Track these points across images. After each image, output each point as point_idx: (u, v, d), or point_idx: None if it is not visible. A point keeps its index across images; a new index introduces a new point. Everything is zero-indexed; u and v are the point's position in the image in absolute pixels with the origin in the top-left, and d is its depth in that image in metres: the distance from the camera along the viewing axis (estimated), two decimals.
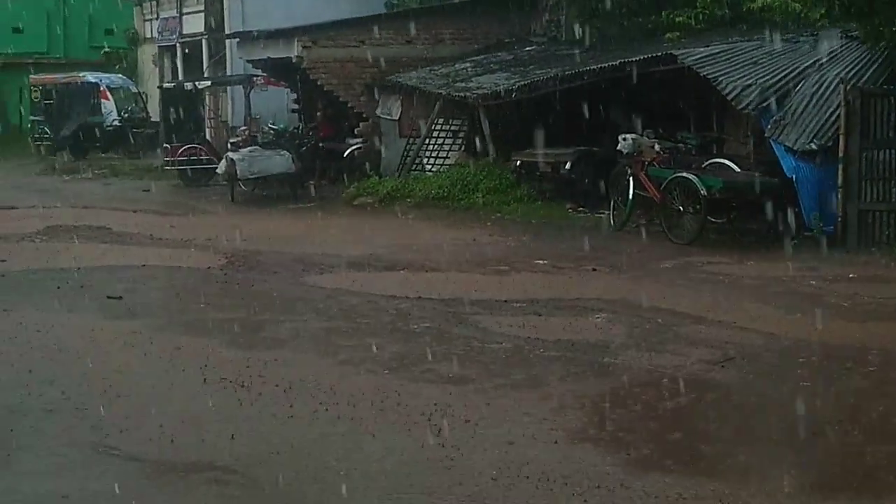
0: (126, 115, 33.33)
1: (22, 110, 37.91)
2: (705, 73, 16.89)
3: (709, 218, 15.86)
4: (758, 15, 19.48)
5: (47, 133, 33.73)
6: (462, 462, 6.90)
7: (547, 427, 7.61)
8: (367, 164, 23.66)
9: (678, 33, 20.40)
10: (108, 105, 33.28)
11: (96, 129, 32.68)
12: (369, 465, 6.86)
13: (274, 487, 6.52)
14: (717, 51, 17.61)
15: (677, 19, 20.87)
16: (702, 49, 17.80)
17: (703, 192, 15.52)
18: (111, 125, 32.87)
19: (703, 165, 16.69)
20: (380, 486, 6.51)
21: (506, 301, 11.93)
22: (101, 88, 33.58)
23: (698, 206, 15.66)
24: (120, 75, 36.45)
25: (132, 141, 32.39)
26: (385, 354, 9.66)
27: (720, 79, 16.69)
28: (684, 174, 16.03)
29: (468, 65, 23.82)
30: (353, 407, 8.02)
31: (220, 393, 8.41)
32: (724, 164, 16.67)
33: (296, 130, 25.61)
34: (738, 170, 16.35)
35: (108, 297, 12.18)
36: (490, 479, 6.61)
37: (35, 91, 35.48)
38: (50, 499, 6.41)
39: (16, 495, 6.44)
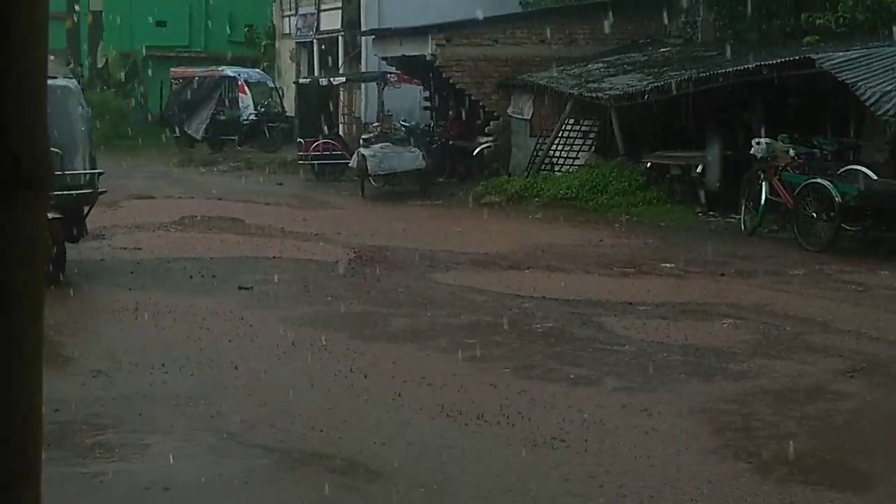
0: (262, 109, 33.90)
1: (162, 103, 38.83)
2: (844, 78, 16.52)
3: (843, 226, 15.54)
4: None
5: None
6: (576, 465, 6.90)
7: (665, 431, 7.56)
8: (496, 162, 23.70)
9: (817, 37, 20.02)
10: (246, 99, 33.86)
11: (234, 123, 33.30)
12: (486, 464, 6.90)
13: (394, 480, 6.59)
14: (856, 55, 17.22)
15: (817, 22, 20.48)
16: (840, 53, 17.42)
17: (838, 198, 15.21)
18: (248, 119, 33.46)
19: (838, 172, 16.35)
20: (487, 488, 6.54)
21: (630, 304, 11.86)
22: (239, 83, 34.20)
23: (832, 214, 15.36)
24: (258, 70, 37.09)
25: (267, 135, 32.92)
26: (507, 352, 9.69)
27: (859, 84, 16.32)
28: (819, 180, 15.73)
29: (601, 65, 23.70)
30: (473, 405, 8.06)
31: (341, 384, 8.53)
32: (860, 171, 16.30)
33: (427, 128, 25.77)
34: (875, 177, 15.97)
35: (240, 288, 12.45)
36: (605, 484, 6.60)
37: (176, 84, 36.30)
38: (178, 483, 6.57)
39: (143, 479, 6.62)
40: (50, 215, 9.83)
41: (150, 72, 40.60)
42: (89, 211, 13.04)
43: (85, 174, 12.75)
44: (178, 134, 34.05)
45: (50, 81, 10.19)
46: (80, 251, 14.82)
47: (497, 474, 6.69)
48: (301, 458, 7.03)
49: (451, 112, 26.10)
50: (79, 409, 7.82)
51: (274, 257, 14.66)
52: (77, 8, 38.58)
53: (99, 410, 7.88)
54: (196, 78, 35.01)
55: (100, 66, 39.37)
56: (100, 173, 12.97)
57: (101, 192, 13.12)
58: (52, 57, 12.08)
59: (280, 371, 8.97)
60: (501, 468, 6.80)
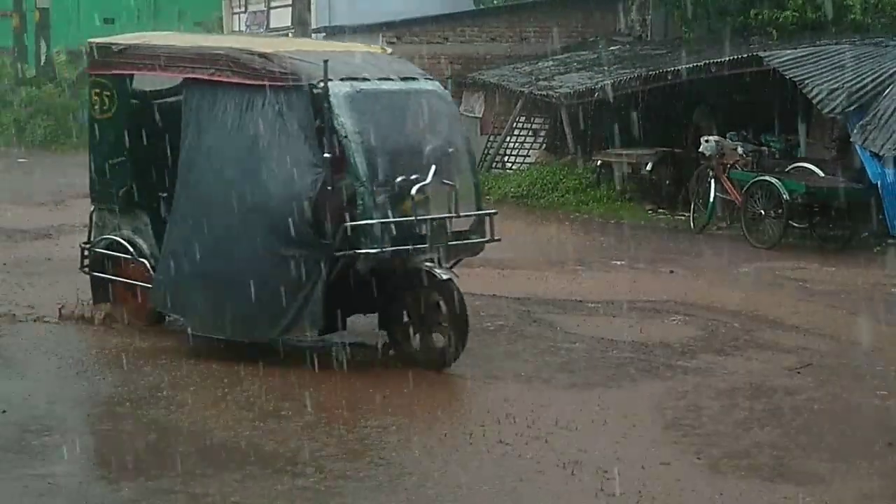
0: None
1: None
2: (791, 76, 16.67)
3: (791, 223, 15.67)
4: (857, 18, 19.20)
5: None
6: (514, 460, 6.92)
7: (616, 427, 7.59)
8: None
9: (774, 30, 20.11)
10: None
11: None
12: (434, 463, 6.91)
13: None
14: (803, 53, 17.37)
15: (757, 16, 20.59)
16: (788, 51, 17.56)
17: (786, 196, 15.35)
18: None
19: (786, 169, 16.50)
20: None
21: (581, 301, 11.90)
22: None
23: (780, 211, 15.48)
24: None
25: None
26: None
27: (806, 82, 16.47)
28: (767, 178, 15.86)
29: (551, 63, 23.75)
30: (421, 405, 8.07)
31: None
32: (807, 168, 16.47)
33: None
34: (822, 175, 16.13)
35: None
36: (552, 480, 6.63)
37: None
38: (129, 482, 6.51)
39: (92, 478, 6.54)
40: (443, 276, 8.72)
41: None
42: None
43: (477, 215, 9.51)
44: None
45: (412, 85, 9.31)
46: (28, 250, 14.67)
47: (439, 470, 6.71)
48: (267, 457, 7.01)
49: None
50: (25, 410, 7.74)
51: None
52: (24, 5, 38.09)
53: (45, 411, 7.80)
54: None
55: (47, 63, 38.91)
56: (492, 213, 9.76)
57: (494, 240, 9.75)
58: (388, 51, 10.98)
59: (230, 366, 8.92)
60: (446, 466, 6.82)
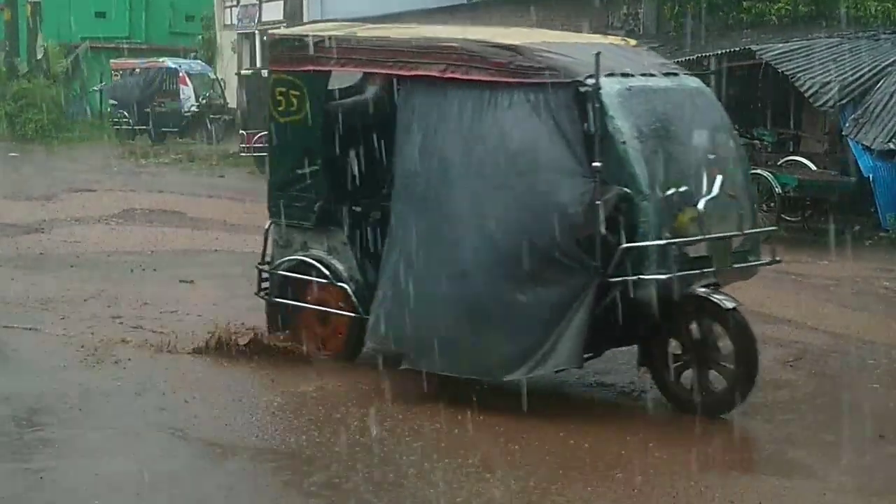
0: (204, 101, 33.65)
1: (103, 94, 38.46)
2: (783, 69, 16.69)
3: (783, 216, 15.69)
4: (851, 12, 19.23)
5: (126, 117, 34.16)
6: None
7: (605, 417, 7.60)
8: None
9: (772, 20, 20.12)
10: (187, 91, 33.59)
11: (174, 115, 33.04)
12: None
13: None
14: (796, 47, 17.39)
15: (753, 10, 20.61)
16: (780, 45, 17.59)
17: (778, 189, 15.38)
18: (189, 111, 33.21)
19: (778, 163, 16.53)
20: None
21: None
22: (181, 74, 33.93)
23: (772, 204, 15.51)
24: (199, 61, 36.82)
25: (209, 127, 32.68)
26: None
27: (798, 75, 16.50)
28: (759, 171, 15.84)
29: None
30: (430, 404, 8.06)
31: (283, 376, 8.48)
32: (800, 161, 16.52)
33: None
34: (815, 168, 16.16)
35: (181, 281, 12.34)
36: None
37: (116, 76, 35.96)
38: (120, 479, 6.51)
39: (85, 474, 6.55)
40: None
41: (86, 63, 40.17)
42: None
43: (759, 232, 8.56)
44: (121, 126, 33.77)
45: (677, 82, 7.92)
46: (18, 245, 14.65)
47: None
48: (245, 451, 7.00)
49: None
50: (19, 405, 7.73)
51: (216, 250, 14.55)
52: None
53: (37, 405, 7.79)
54: (138, 70, 34.71)
55: (40, 57, 38.88)
56: (771, 231, 9.22)
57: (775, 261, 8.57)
58: (633, 42, 8.97)
59: (220, 365, 8.91)
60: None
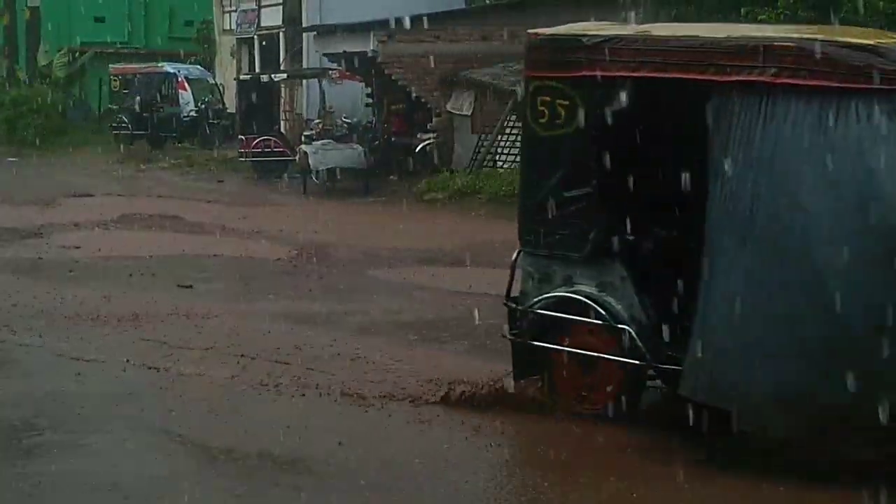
0: (203, 106, 33.64)
1: (102, 99, 38.48)
2: None
3: None
4: (849, 16, 19.22)
5: (126, 122, 34.16)
6: None
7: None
8: (439, 159, 23.69)
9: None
10: (186, 96, 33.59)
11: (173, 120, 33.03)
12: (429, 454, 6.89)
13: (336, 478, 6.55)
14: None
15: (759, 17, 20.64)
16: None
17: None
18: (188, 116, 33.20)
19: None
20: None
21: None
22: (179, 79, 33.92)
23: None
24: (198, 66, 36.81)
25: (208, 132, 32.66)
26: (446, 351, 9.70)
27: None
28: None
29: None
30: (412, 403, 8.06)
31: (281, 382, 8.49)
32: None
33: (369, 124, 25.71)
34: None
35: (179, 286, 12.35)
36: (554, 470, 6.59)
37: (115, 81, 35.96)
38: (116, 483, 6.50)
39: (82, 479, 6.54)
40: None
41: (88, 69, 40.18)
42: None
43: None
44: (121, 131, 33.77)
45: None
46: (17, 249, 14.66)
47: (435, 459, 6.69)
48: (240, 456, 6.99)
49: (392, 107, 25.94)
50: (15, 410, 7.73)
51: (214, 255, 14.56)
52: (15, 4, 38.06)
53: (36, 410, 7.78)
54: (137, 74, 34.71)
55: (42, 63, 38.85)
56: None
57: None
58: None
59: (216, 368, 8.90)
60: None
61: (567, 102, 7.53)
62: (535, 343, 7.72)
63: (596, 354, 7.49)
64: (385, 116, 25.84)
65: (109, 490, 6.38)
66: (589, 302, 7.50)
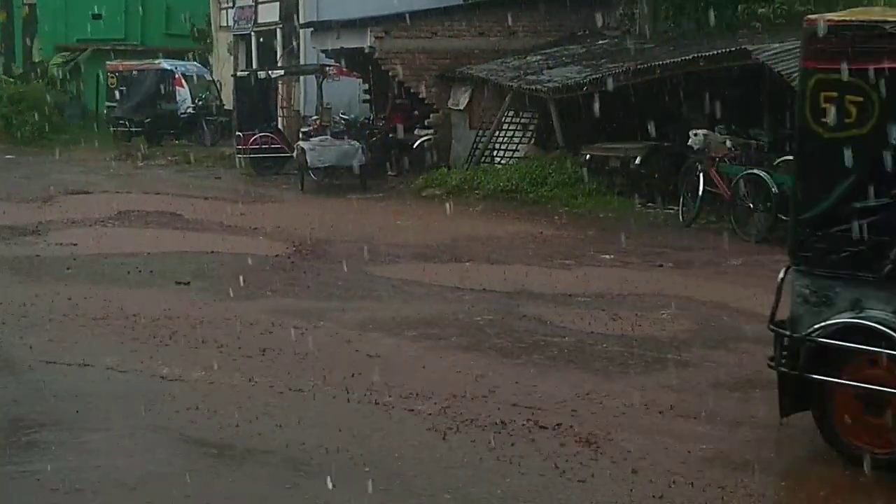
0: (200, 102, 33.63)
1: (98, 96, 38.42)
2: (779, 69, 16.66)
3: (780, 216, 15.66)
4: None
5: (123, 119, 34.14)
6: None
7: (604, 418, 7.60)
8: (436, 155, 23.69)
9: (757, 24, 20.12)
10: (183, 93, 33.58)
11: (171, 117, 33.00)
12: (430, 451, 6.89)
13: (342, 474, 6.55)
14: (791, 46, 17.33)
15: (759, 10, 20.61)
16: (776, 45, 17.56)
17: (775, 189, 15.37)
18: (185, 112, 33.18)
19: (775, 163, 16.50)
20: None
21: (570, 295, 11.90)
22: (176, 76, 33.90)
23: (769, 204, 15.50)
24: (195, 63, 36.79)
25: (205, 129, 32.67)
26: (446, 346, 9.69)
27: (794, 75, 16.45)
28: (755, 171, 15.88)
29: (540, 57, 23.72)
30: (416, 397, 8.06)
31: (279, 379, 8.48)
32: None
33: (366, 121, 25.69)
34: None
35: (177, 283, 12.35)
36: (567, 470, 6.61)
37: (112, 77, 35.92)
38: (116, 481, 6.50)
39: (80, 476, 6.54)
40: None
41: (85, 66, 40.12)
42: None
43: None
44: (117, 128, 33.76)
45: None
46: (15, 247, 14.64)
47: (440, 458, 6.70)
48: (239, 453, 6.98)
49: (396, 101, 25.87)
50: (12, 407, 7.72)
51: (212, 252, 14.53)
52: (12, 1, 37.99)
53: (33, 408, 7.77)
54: (134, 71, 34.66)
55: (37, 59, 38.82)
56: None
57: None
58: None
59: (214, 366, 8.90)
60: (434, 453, 6.80)
61: (859, 99, 6.62)
62: (814, 377, 6.81)
63: (893, 391, 6.56)
64: (388, 111, 25.81)
65: (115, 487, 6.38)
66: (886, 330, 6.54)
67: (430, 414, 7.70)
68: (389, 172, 23.96)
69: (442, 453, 6.98)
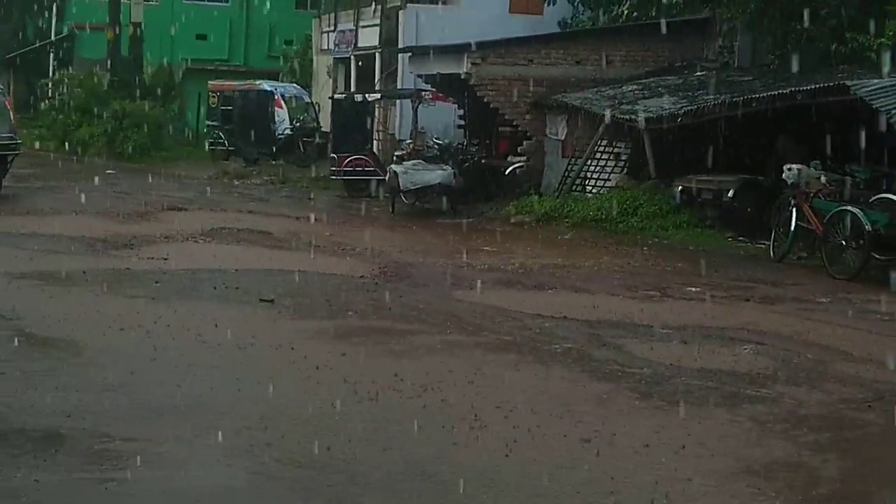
0: (298, 124, 34.02)
1: (200, 115, 39.10)
2: (878, 105, 16.39)
3: (873, 254, 15.38)
4: None
5: (222, 138, 34.68)
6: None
7: (675, 453, 7.49)
8: (528, 182, 23.68)
9: (871, 56, 19.75)
10: (281, 114, 34.01)
11: (269, 137, 33.43)
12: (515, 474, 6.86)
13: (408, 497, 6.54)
14: (891, 83, 17.06)
15: (864, 46, 20.24)
16: (876, 80, 17.28)
17: (868, 227, 15.09)
18: (283, 133, 33.58)
19: (870, 200, 16.20)
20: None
21: (652, 326, 11.78)
22: (276, 97, 34.35)
23: (862, 242, 15.23)
24: (294, 85, 37.26)
25: (302, 150, 33.04)
26: (520, 374, 9.64)
27: (893, 112, 16.18)
28: (849, 208, 15.61)
29: (635, 87, 23.64)
30: (479, 422, 8.02)
31: (352, 400, 8.50)
32: (892, 199, 16.15)
33: (460, 146, 25.78)
34: None
35: (261, 300, 12.45)
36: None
37: (213, 97, 36.52)
38: (188, 492, 6.55)
39: (152, 486, 6.61)
40: None
41: (188, 85, 40.81)
42: None
43: None
44: (216, 146, 34.30)
45: None
46: (108, 260, 14.91)
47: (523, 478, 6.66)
48: (307, 473, 7.00)
49: (500, 129, 25.89)
50: (89, 417, 7.83)
51: (299, 271, 14.65)
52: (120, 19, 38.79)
53: (110, 418, 7.87)
54: (235, 91, 35.15)
55: (143, 78, 39.59)
56: None
57: None
58: None
59: (291, 384, 8.94)
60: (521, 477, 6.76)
61: None
62: None
63: None
64: (494, 138, 25.87)
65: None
66: None
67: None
68: (482, 198, 23.95)
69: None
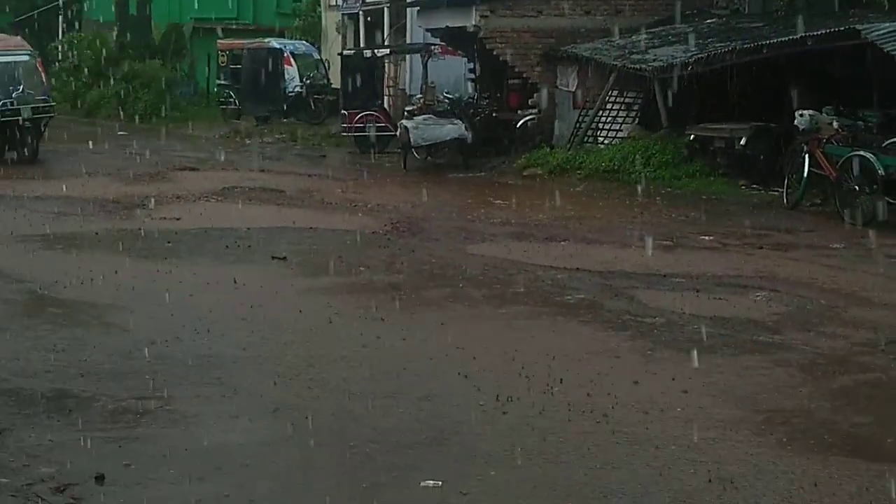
0: (308, 81, 33.89)
1: (210, 75, 39.00)
2: (889, 50, 16.26)
3: (886, 199, 15.30)
4: None
5: (232, 97, 34.61)
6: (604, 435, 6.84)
7: (693, 404, 7.49)
8: (539, 135, 23.58)
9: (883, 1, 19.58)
10: (291, 71, 33.87)
11: (279, 95, 33.33)
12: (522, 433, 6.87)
13: (421, 448, 6.56)
14: None
15: None
16: (887, 24, 17.13)
17: (881, 171, 15.01)
18: (293, 91, 33.48)
19: (883, 145, 16.10)
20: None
21: (665, 276, 11.76)
22: (285, 55, 34.21)
23: (875, 187, 15.14)
24: (304, 42, 37.10)
25: (313, 107, 32.94)
26: (533, 325, 9.65)
27: None
28: (862, 153, 15.51)
29: (646, 36, 23.42)
30: (492, 373, 8.04)
31: (363, 353, 8.53)
32: None
33: (471, 100, 25.66)
34: None
35: (273, 258, 12.47)
36: (638, 453, 6.55)
37: (222, 56, 36.42)
38: (200, 448, 6.59)
39: (164, 444, 6.64)
40: None
41: (197, 44, 40.72)
42: None
43: None
44: (227, 105, 34.24)
45: None
46: (120, 220, 14.95)
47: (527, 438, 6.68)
48: (324, 426, 7.01)
49: (510, 81, 25.72)
50: (104, 377, 7.87)
51: (311, 228, 14.67)
52: None
53: (123, 377, 7.90)
54: (244, 50, 35.02)
55: (151, 38, 39.52)
56: None
57: None
58: None
59: (300, 339, 8.97)
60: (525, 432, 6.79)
61: None
62: None
63: None
64: (505, 92, 25.72)
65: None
66: None
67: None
68: (494, 151, 23.87)
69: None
